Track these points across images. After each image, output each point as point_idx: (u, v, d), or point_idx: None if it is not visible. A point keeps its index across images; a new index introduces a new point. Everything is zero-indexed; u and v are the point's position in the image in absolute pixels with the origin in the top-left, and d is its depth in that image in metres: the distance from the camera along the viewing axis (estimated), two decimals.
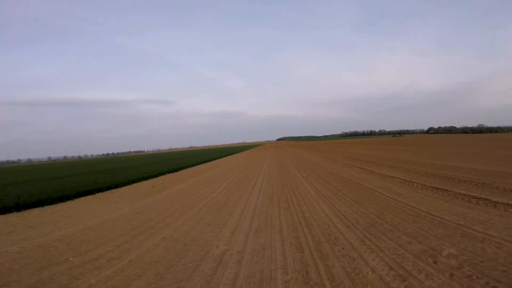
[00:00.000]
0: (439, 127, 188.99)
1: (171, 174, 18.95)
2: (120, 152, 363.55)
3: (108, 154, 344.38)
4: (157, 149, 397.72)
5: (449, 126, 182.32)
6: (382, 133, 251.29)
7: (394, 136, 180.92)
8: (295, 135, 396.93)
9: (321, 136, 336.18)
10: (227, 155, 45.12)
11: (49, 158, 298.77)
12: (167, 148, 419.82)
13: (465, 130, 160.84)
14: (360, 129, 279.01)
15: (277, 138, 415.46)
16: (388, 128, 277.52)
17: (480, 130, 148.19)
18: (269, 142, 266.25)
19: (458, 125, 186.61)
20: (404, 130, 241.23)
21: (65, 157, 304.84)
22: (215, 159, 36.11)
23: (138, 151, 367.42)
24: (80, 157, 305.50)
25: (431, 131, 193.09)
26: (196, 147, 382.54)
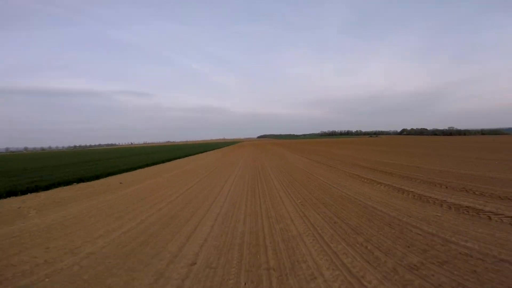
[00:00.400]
0: (411, 129, 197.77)
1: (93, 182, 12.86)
2: (90, 145, 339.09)
3: (75, 146, 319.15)
4: (130, 143, 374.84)
5: (421, 128, 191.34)
6: (358, 134, 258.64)
7: (371, 136, 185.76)
8: (276, 133, 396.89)
9: (301, 135, 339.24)
10: (199, 153, 39.12)
11: (7, 149, 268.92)
12: (141, 142, 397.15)
13: (435, 132, 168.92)
14: (338, 129, 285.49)
15: (258, 135, 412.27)
16: (364, 128, 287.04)
17: (450, 133, 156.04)
18: (250, 140, 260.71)
19: (430, 127, 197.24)
20: (379, 131, 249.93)
21: (25, 148, 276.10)
22: (184, 156, 30.36)
23: (109, 144, 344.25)
24: (43, 149, 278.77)
25: (404, 132, 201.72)
26: (173, 142, 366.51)
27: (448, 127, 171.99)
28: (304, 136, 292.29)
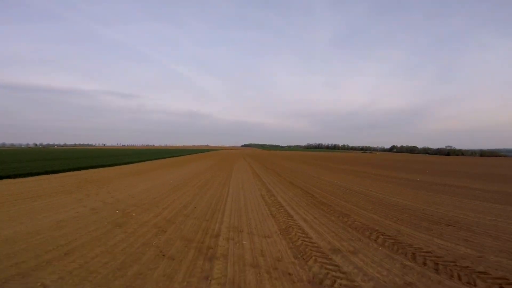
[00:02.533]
0: (401, 146, 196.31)
1: None
2: (54, 143, 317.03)
3: (37, 144, 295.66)
4: (102, 144, 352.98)
5: (411, 146, 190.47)
6: (346, 148, 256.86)
7: (364, 152, 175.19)
8: (260, 143, 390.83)
9: (285, 146, 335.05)
10: (166, 159, 29.92)
11: None
12: (114, 144, 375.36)
13: (427, 151, 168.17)
14: (324, 142, 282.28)
15: (243, 144, 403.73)
16: (350, 143, 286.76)
17: (447, 152, 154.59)
18: (234, 148, 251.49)
19: (413, 144, 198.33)
20: (366, 147, 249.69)
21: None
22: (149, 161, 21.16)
23: (82, 144, 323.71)
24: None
25: (394, 149, 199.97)
26: (152, 146, 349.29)
27: (446, 146, 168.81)
28: (289, 148, 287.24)
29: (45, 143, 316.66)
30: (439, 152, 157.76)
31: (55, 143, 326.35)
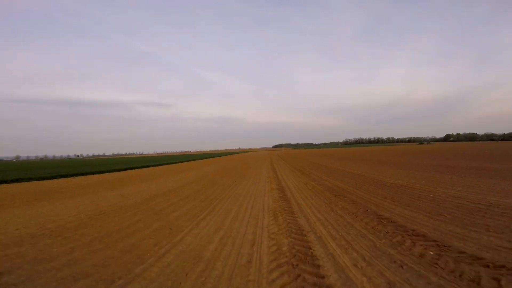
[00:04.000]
0: (458, 134, 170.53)
1: None
2: (100, 154, 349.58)
3: (77, 155, 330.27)
4: (140, 153, 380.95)
5: (470, 133, 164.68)
6: (391, 141, 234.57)
7: (421, 143, 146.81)
8: (292, 142, 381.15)
9: (320, 144, 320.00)
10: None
11: (36, 156, 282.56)
12: (159, 151, 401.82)
13: (491, 138, 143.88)
14: (364, 136, 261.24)
15: (273, 145, 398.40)
16: (394, 135, 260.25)
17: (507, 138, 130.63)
18: (264, 149, 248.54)
19: (455, 132, 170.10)
20: (413, 138, 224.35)
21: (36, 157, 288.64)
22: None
23: (120, 154, 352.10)
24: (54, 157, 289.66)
25: (450, 138, 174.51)
26: (189, 152, 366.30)
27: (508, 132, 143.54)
28: (325, 145, 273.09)
29: (85, 154, 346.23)
30: (505, 137, 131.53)
31: (94, 154, 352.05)
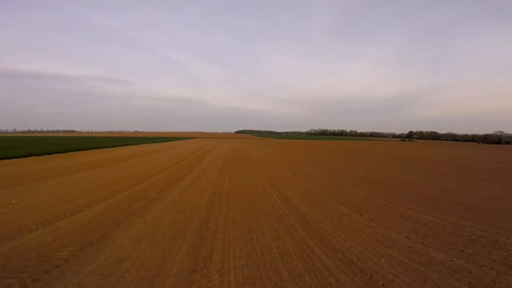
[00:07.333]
0: (420, 132, 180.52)
1: None
2: (43, 130, 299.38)
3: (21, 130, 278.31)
4: (89, 130, 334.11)
5: (431, 132, 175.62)
6: (354, 134, 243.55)
7: (403, 140, 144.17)
8: (255, 129, 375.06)
9: (283, 133, 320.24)
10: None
11: None
12: (104, 130, 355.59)
13: (455, 138, 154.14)
14: (325, 128, 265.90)
15: (236, 130, 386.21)
16: (352, 129, 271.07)
17: (498, 140, 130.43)
18: (225, 134, 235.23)
19: (405, 131, 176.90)
20: (375, 133, 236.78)
21: None
22: None
23: (68, 131, 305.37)
24: None
25: (414, 135, 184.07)
26: (141, 132, 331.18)
27: (496, 131, 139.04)
28: (287, 134, 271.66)
29: (32, 129, 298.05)
30: (487, 139, 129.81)
31: (36, 129, 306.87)
